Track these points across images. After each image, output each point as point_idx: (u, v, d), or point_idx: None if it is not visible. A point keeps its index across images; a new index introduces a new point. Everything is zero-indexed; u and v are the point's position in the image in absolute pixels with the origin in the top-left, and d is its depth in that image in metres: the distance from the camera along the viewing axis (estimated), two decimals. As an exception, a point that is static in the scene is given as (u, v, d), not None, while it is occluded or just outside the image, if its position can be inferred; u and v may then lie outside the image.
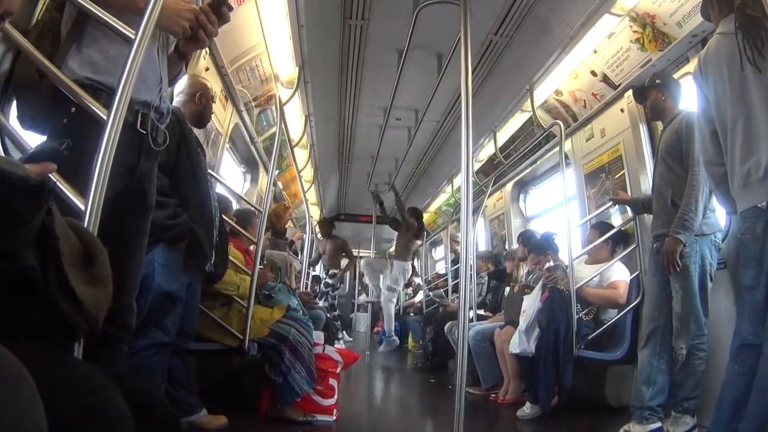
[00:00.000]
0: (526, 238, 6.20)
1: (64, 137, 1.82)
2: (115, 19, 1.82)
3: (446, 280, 9.39)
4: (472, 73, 3.45)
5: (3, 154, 1.84)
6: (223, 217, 3.85)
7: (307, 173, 9.08)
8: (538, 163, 7.39)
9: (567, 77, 5.37)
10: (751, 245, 2.75)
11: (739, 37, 2.66)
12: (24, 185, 1.04)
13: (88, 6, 1.83)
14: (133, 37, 1.76)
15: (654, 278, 3.90)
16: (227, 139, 5.62)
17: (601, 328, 4.68)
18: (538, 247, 5.59)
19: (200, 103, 3.53)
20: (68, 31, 2.07)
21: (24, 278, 1.10)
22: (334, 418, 4.09)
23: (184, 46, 2.39)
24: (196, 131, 3.62)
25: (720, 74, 2.84)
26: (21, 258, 1.08)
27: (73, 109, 1.92)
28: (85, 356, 1.47)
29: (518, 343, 4.66)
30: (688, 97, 3.88)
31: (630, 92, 4.77)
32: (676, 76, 4.24)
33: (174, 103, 3.38)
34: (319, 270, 11.08)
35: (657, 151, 4.00)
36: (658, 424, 3.65)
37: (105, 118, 1.70)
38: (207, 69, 4.46)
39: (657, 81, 3.98)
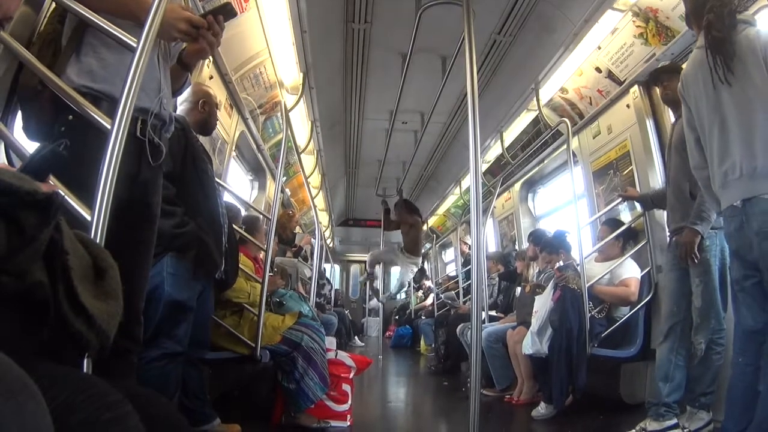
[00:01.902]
0: (537, 237, 6.15)
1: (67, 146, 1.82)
2: (117, 29, 1.82)
3: (457, 282, 9.38)
4: (477, 74, 3.44)
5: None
6: (233, 225, 3.84)
7: (315, 179, 9.08)
8: (545, 162, 7.37)
9: (572, 75, 5.36)
10: (729, 242, 3.02)
11: (709, 56, 2.83)
12: (31, 200, 1.03)
13: (89, 15, 1.83)
14: (135, 45, 1.75)
15: (672, 273, 3.86)
16: (234, 147, 5.63)
17: (614, 326, 4.67)
18: (551, 246, 5.56)
19: (204, 110, 3.52)
20: (68, 40, 2.09)
21: (34, 295, 1.08)
22: (349, 423, 4.08)
23: (188, 56, 2.40)
24: (203, 139, 3.61)
25: (698, 86, 2.99)
26: (29, 274, 1.07)
27: (71, 117, 1.93)
28: (95, 369, 1.46)
29: (531, 344, 4.65)
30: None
31: (635, 87, 4.80)
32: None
33: (178, 112, 3.39)
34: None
35: (670, 143, 3.96)
36: (674, 421, 3.62)
37: (109, 127, 1.69)
38: (211, 77, 4.47)
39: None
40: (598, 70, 5.05)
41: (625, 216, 5.26)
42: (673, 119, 4.00)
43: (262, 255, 4.53)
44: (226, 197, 4.40)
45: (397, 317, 13.69)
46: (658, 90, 4.15)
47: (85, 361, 1.43)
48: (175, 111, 2.93)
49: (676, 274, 3.81)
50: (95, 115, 1.76)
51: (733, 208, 2.82)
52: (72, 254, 1.15)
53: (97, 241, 1.58)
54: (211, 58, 4.37)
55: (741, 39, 2.74)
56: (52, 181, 1.54)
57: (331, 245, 14.99)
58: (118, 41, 1.81)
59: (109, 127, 1.70)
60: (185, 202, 3.13)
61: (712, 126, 2.89)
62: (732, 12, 2.81)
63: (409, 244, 8.98)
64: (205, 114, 3.53)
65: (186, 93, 3.42)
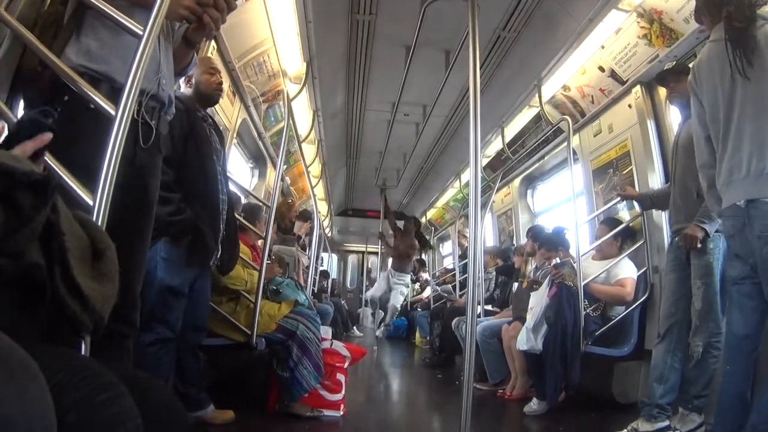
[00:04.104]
0: (536, 233, 6.15)
1: (61, 127, 1.82)
2: (122, 15, 1.82)
3: (454, 275, 9.39)
4: (480, 69, 3.45)
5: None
6: (233, 212, 3.83)
7: (315, 168, 9.09)
8: (545, 158, 7.40)
9: (575, 73, 5.37)
10: (729, 241, 3.00)
11: (729, 48, 2.76)
12: (28, 181, 1.04)
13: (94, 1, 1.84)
14: (141, 33, 1.76)
15: (672, 274, 3.84)
16: (235, 135, 5.63)
17: (609, 324, 4.69)
18: (549, 242, 5.57)
19: (190, 82, 3.47)
20: (67, 20, 2.08)
21: (31, 276, 1.09)
22: (342, 413, 4.10)
23: (192, 34, 2.38)
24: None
25: (712, 80, 2.92)
26: (26, 255, 1.08)
27: (66, 98, 1.94)
28: (91, 352, 1.47)
29: (525, 339, 4.65)
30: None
31: (638, 88, 4.81)
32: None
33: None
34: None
35: (676, 142, 3.93)
36: (666, 423, 3.63)
37: (112, 112, 1.69)
38: (215, 65, 4.48)
39: None
40: (601, 69, 5.05)
41: (624, 215, 5.27)
42: (681, 119, 3.97)
43: (260, 243, 4.54)
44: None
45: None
46: (664, 91, 4.13)
47: (83, 343, 1.44)
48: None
49: (676, 275, 3.80)
50: (98, 99, 1.76)
51: (735, 207, 2.78)
52: (69, 235, 1.16)
53: (99, 225, 1.59)
54: (215, 45, 4.37)
55: (759, 35, 2.70)
56: (52, 163, 1.55)
57: (329, 235, 15.01)
58: (124, 28, 1.81)
59: (112, 112, 1.70)
60: (184, 187, 3.12)
61: (726, 123, 2.84)
62: (752, 5, 2.78)
63: (397, 260, 9.24)
64: (195, 86, 3.49)
65: None
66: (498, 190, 8.33)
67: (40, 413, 0.81)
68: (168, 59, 2.34)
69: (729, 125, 2.82)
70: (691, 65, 3.21)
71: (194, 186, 3.19)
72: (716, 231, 3.52)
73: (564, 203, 7.44)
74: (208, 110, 3.68)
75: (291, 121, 5.11)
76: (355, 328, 12.44)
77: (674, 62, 4.19)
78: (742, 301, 2.85)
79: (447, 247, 14.50)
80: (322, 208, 11.60)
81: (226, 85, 4.85)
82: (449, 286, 9.53)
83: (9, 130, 1.36)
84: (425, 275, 12.69)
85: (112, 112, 1.70)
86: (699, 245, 3.53)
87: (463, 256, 9.08)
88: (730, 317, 2.95)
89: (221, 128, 4.65)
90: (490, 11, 4.92)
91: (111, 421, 0.98)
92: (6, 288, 1.09)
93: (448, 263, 12.73)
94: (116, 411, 0.99)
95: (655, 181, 4.75)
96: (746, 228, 2.73)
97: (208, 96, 3.56)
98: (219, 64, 4.54)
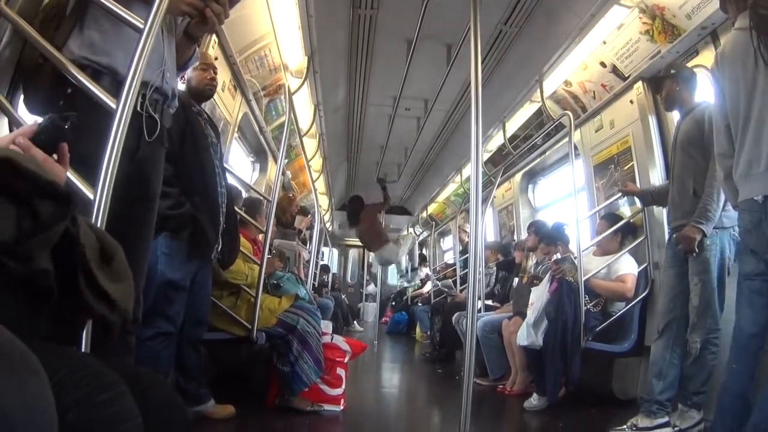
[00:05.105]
0: (537, 228, 6.17)
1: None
2: (123, 8, 1.82)
3: (455, 270, 9.39)
4: (482, 63, 3.44)
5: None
6: (234, 206, 3.82)
7: (316, 163, 9.09)
8: (547, 153, 7.38)
9: (576, 68, 5.35)
10: (745, 237, 2.90)
11: (754, 36, 2.67)
12: (51, 190, 1.05)
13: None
14: (142, 27, 1.75)
15: (671, 270, 3.84)
16: (236, 129, 5.63)
17: (609, 320, 4.69)
18: (548, 237, 5.58)
19: (183, 78, 3.43)
20: (70, 11, 2.07)
21: (37, 281, 1.09)
22: (342, 407, 4.11)
23: (193, 28, 2.37)
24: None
25: (735, 69, 2.85)
26: (35, 261, 1.08)
27: (69, 90, 1.92)
28: (93, 349, 1.47)
29: (526, 335, 4.65)
30: (702, 88, 3.88)
31: (639, 83, 4.79)
32: (685, 68, 4.22)
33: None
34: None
35: (675, 141, 3.93)
36: (666, 419, 3.63)
37: (113, 106, 1.69)
38: (216, 59, 4.45)
39: (672, 71, 3.91)
40: (603, 64, 5.04)
41: (625, 211, 5.27)
42: (679, 117, 3.96)
43: (260, 237, 4.54)
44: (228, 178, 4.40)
45: (393, 303, 13.71)
46: (659, 97, 4.13)
47: (83, 341, 1.44)
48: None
49: (675, 271, 3.79)
50: (99, 93, 1.76)
51: (752, 201, 2.73)
52: (89, 247, 1.16)
53: (99, 221, 1.59)
54: (216, 39, 4.36)
55: None
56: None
57: (330, 229, 15.00)
58: (125, 22, 1.81)
59: (113, 105, 1.69)
60: (182, 181, 3.12)
61: (747, 114, 2.77)
62: None
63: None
64: (186, 81, 3.48)
65: None
66: (499, 185, 8.30)
67: (41, 407, 0.80)
68: (171, 52, 2.34)
69: (749, 117, 2.76)
70: (717, 51, 3.16)
71: (192, 180, 3.19)
72: (715, 228, 3.53)
73: (565, 198, 7.43)
74: (206, 104, 3.68)
75: (292, 115, 5.11)
76: (355, 322, 12.47)
77: (675, 59, 4.20)
78: (752, 297, 2.80)
79: (448, 242, 14.49)
80: (323, 202, 11.60)
81: (227, 79, 4.85)
82: (450, 281, 9.51)
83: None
84: (426, 270, 12.69)
85: (113, 106, 1.69)
86: (696, 250, 3.53)
87: (464, 251, 9.08)
88: (739, 314, 2.89)
89: (222, 122, 4.67)
90: (492, 6, 4.93)
91: (111, 420, 0.98)
92: (11, 289, 1.09)
93: (449, 258, 12.73)
94: (117, 410, 0.99)
95: (656, 177, 4.73)
96: (763, 223, 2.68)
97: (200, 91, 3.54)
98: (220, 57, 4.55)
